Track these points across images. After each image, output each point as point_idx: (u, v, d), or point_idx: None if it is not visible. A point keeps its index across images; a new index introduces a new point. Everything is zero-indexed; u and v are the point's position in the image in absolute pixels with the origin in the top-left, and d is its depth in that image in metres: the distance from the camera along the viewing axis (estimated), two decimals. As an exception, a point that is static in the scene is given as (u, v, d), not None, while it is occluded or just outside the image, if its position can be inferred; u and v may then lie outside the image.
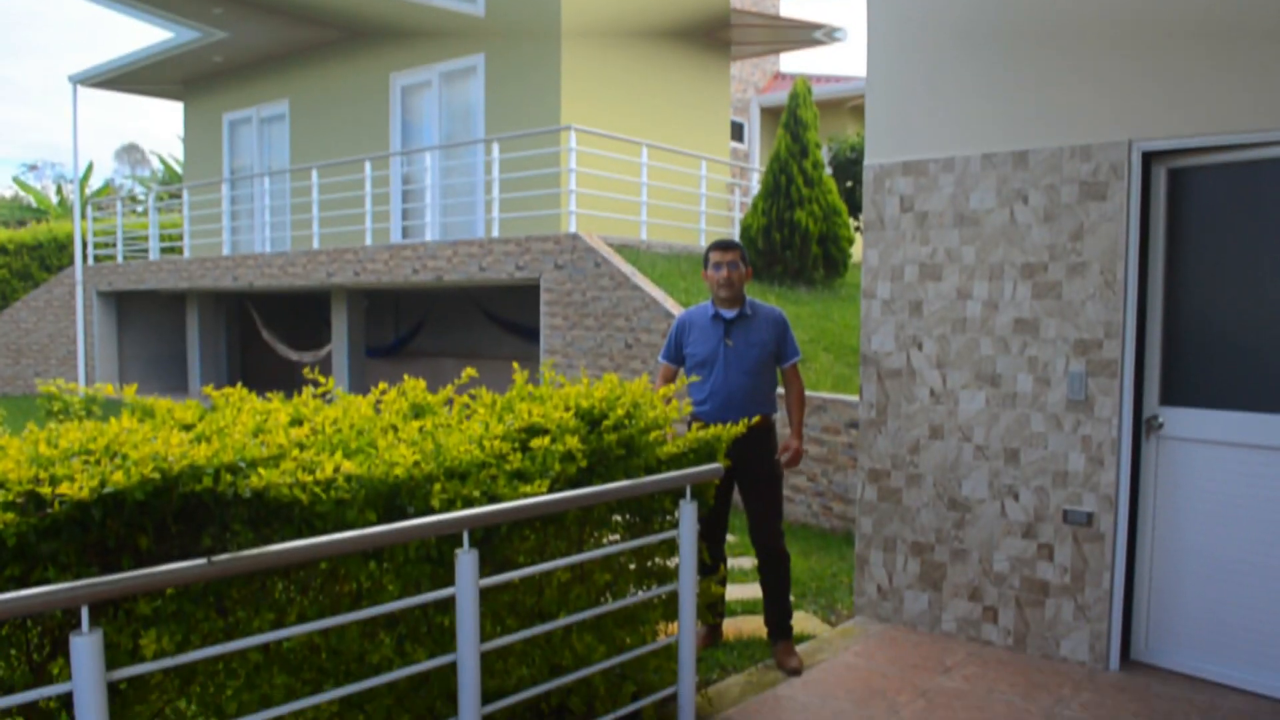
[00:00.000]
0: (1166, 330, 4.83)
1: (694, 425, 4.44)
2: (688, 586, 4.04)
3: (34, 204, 32.43)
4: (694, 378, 5.08)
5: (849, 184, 13.88)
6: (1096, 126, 4.84)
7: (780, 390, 5.36)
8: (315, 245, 15.03)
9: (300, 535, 2.89)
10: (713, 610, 5.20)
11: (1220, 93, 4.50)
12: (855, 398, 7.83)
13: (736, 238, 14.22)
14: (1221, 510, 4.67)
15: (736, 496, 5.28)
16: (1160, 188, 4.79)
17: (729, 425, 4.46)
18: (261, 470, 2.79)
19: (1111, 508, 4.83)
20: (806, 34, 16.77)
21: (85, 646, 2.31)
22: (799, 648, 5.13)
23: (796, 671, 4.85)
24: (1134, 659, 4.95)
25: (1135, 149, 4.74)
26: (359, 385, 15.05)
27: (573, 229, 11.73)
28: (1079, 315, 4.89)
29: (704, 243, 14.05)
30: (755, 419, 4.87)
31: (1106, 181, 4.80)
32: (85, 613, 2.33)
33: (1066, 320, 4.93)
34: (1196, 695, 4.57)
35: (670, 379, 5.25)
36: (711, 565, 5.06)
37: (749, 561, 7.00)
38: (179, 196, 22.52)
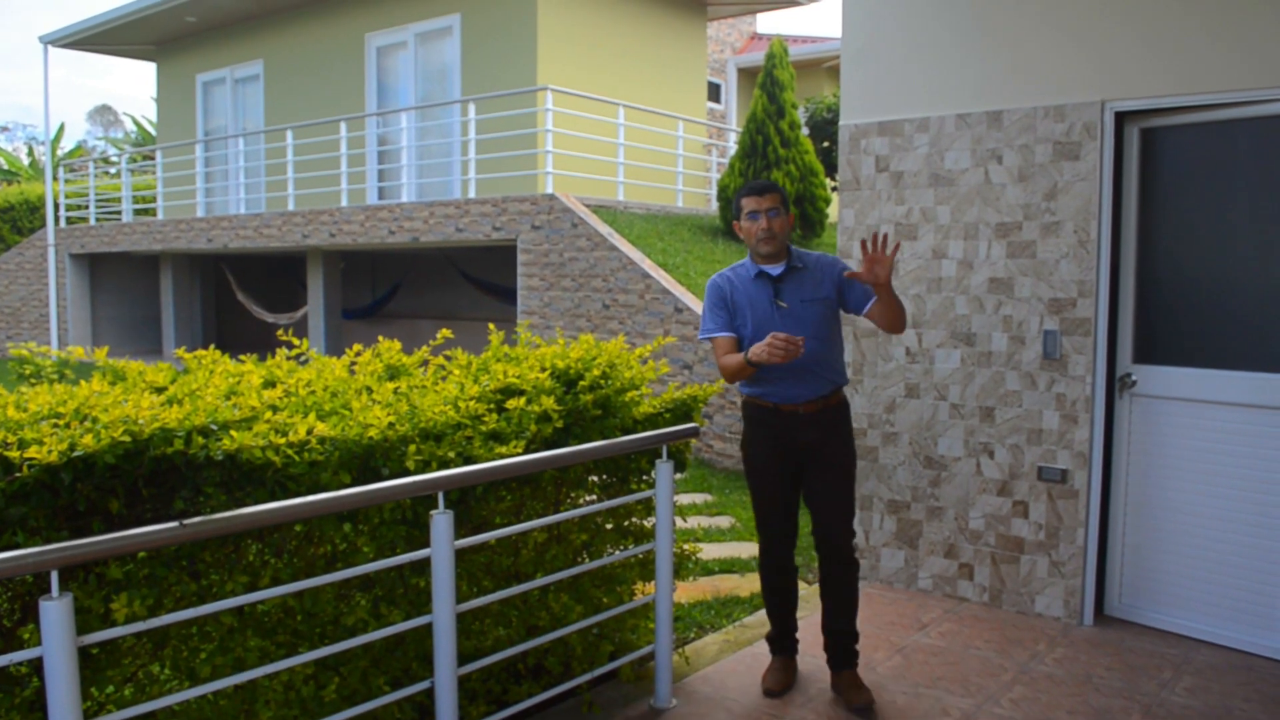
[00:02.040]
0: (1139, 289, 4.85)
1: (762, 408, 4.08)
2: (664, 546, 4.05)
3: (5, 166, 32.00)
4: None
5: (825, 144, 13.83)
6: (1070, 87, 4.83)
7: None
8: (290, 207, 14.90)
9: (274, 498, 2.87)
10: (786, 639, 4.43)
11: (1193, 53, 4.50)
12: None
13: (714, 198, 14.16)
14: (1193, 467, 4.71)
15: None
16: (1133, 147, 4.79)
17: (800, 405, 4.06)
18: (234, 432, 2.77)
19: (1085, 465, 4.87)
20: (783, -7, 16.68)
21: (55, 611, 2.29)
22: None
23: (868, 708, 4.03)
24: (1108, 614, 5.01)
25: (1108, 109, 4.74)
26: (335, 347, 14.99)
27: (549, 190, 11.67)
28: (1053, 274, 4.90)
29: (681, 203, 13.99)
30: (827, 394, 4.12)
31: (1080, 141, 4.80)
32: (55, 577, 2.31)
33: (1041, 279, 4.94)
34: (1169, 649, 4.63)
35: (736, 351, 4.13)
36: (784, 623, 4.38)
37: (726, 521, 7.03)
38: (152, 158, 22.27)
